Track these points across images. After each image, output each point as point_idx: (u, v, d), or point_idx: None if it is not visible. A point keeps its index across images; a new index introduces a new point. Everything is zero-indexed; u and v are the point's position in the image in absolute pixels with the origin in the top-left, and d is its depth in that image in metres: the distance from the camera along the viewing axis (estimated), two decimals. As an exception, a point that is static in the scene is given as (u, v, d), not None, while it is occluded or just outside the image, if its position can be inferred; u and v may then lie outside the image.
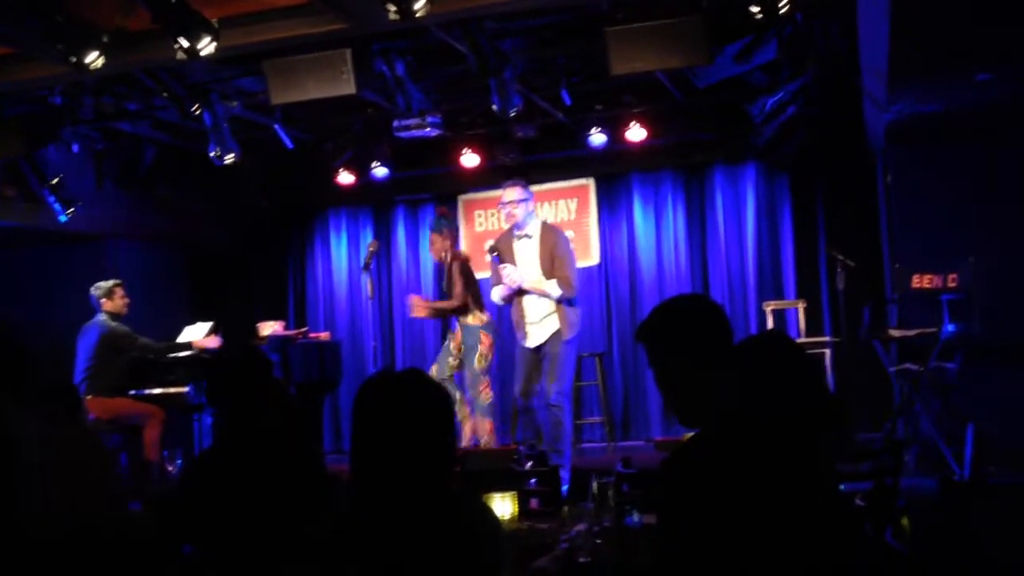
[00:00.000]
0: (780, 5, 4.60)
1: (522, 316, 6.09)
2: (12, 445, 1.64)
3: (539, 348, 6.04)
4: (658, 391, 2.40)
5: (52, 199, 7.25)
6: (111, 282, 6.88)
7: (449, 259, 6.74)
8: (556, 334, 5.98)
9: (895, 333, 6.32)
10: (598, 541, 3.04)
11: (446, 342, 6.86)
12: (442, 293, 6.86)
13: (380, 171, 8.45)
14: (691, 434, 2.26)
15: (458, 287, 6.61)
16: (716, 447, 2.10)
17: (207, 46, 4.74)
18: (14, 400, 2.36)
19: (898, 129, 6.47)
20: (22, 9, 4.73)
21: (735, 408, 2.15)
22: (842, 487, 2.88)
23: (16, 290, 8.37)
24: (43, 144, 6.91)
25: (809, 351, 6.95)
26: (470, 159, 8.31)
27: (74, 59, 4.74)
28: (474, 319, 6.61)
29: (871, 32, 5.00)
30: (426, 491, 2.07)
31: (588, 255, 8.55)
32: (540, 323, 6.03)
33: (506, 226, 6.35)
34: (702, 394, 2.24)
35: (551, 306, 6.01)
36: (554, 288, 5.98)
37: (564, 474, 5.62)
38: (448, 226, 6.92)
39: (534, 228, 6.16)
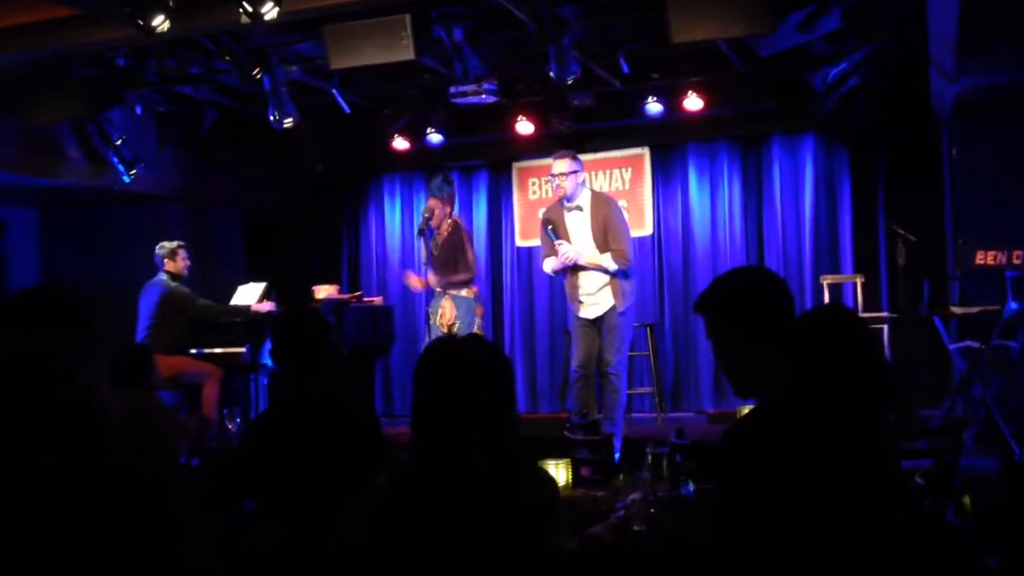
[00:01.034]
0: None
1: (576, 288, 6.07)
2: (101, 404, 1.69)
3: (597, 320, 6.03)
4: (715, 362, 2.39)
5: (116, 160, 7.39)
6: (175, 243, 7.01)
7: (451, 227, 6.55)
8: (613, 307, 5.98)
9: (956, 310, 6.20)
10: (652, 510, 3.05)
11: (431, 322, 6.63)
12: (434, 259, 6.61)
13: (435, 137, 8.48)
14: (746, 407, 2.26)
15: (469, 256, 6.52)
16: (776, 421, 2.09)
17: (270, 11, 4.78)
18: (88, 365, 2.42)
19: (965, 101, 6.31)
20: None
21: (794, 382, 2.13)
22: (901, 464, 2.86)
23: (79, 248, 8.57)
24: (108, 106, 7.04)
25: (867, 326, 6.89)
26: (525, 126, 8.29)
27: (141, 22, 4.80)
28: (467, 292, 6.56)
29: (940, 0, 4.87)
30: (485, 455, 2.09)
31: (642, 225, 8.51)
32: (596, 295, 6.02)
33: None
34: (760, 367, 2.23)
35: (605, 278, 5.99)
36: (610, 262, 5.94)
37: (615, 443, 5.64)
38: (449, 192, 6.78)
39: (584, 199, 6.08)
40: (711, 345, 2.35)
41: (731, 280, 2.37)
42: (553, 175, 6.09)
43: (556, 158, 6.10)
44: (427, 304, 7.05)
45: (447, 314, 6.54)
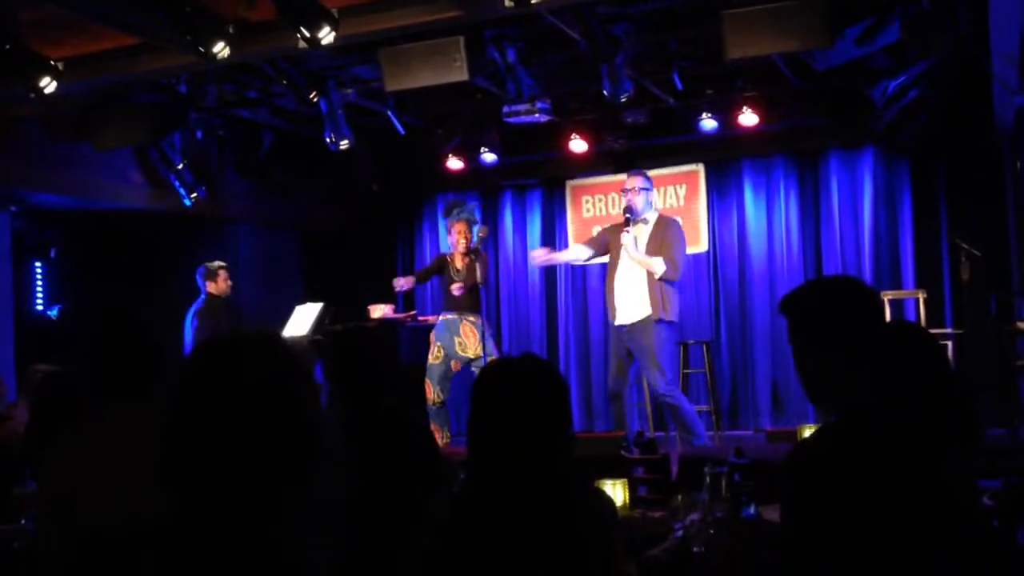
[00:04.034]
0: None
1: (612, 294, 6.18)
2: None
3: (631, 333, 6.06)
4: (771, 377, 2.34)
5: (177, 183, 7.56)
6: (216, 264, 7.12)
7: (480, 250, 6.82)
8: (648, 317, 5.99)
9: (1023, 326, 6.06)
10: (712, 532, 3.02)
11: (473, 346, 6.75)
12: (461, 277, 6.88)
13: (488, 157, 8.52)
14: (807, 426, 2.21)
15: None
16: (848, 440, 2.03)
17: (327, 35, 4.85)
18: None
19: (1029, 113, 6.18)
20: (153, 1, 4.94)
21: (867, 399, 2.07)
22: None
23: (142, 271, 8.73)
24: (170, 131, 7.21)
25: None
26: (578, 144, 8.29)
27: (202, 49, 4.91)
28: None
29: (1002, 12, 4.78)
30: (542, 475, 2.09)
31: (697, 242, 8.44)
32: (630, 301, 6.07)
33: (615, 212, 6.38)
34: (840, 379, 2.14)
35: (643, 287, 6.01)
36: (659, 264, 6.01)
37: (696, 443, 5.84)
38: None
39: (651, 217, 6.25)
40: (792, 350, 2.27)
41: (822, 285, 2.31)
42: (626, 189, 6.28)
43: (630, 175, 6.36)
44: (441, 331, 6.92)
45: (475, 336, 6.71)
